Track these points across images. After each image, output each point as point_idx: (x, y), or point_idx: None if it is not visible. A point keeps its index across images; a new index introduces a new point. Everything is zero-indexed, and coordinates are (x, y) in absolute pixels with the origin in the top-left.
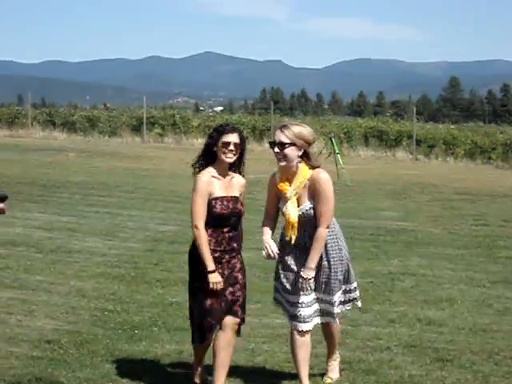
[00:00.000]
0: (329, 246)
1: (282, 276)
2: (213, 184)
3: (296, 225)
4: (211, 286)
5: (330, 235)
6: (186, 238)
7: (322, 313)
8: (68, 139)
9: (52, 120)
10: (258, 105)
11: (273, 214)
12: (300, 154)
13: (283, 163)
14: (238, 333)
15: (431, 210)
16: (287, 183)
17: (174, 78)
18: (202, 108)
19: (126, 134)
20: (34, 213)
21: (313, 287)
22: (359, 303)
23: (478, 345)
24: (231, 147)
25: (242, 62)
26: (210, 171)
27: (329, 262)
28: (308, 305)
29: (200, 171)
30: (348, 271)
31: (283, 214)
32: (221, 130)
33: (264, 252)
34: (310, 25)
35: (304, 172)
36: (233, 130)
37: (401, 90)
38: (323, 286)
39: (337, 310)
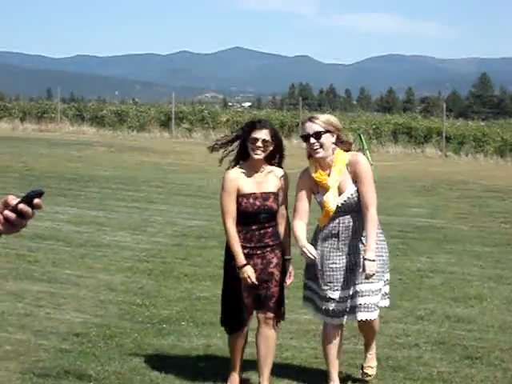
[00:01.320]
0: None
1: (320, 272)
2: (241, 180)
3: (332, 214)
4: (243, 280)
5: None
6: (214, 232)
7: (359, 308)
8: (97, 134)
9: (81, 114)
10: (287, 100)
11: (305, 211)
12: (334, 140)
13: (320, 153)
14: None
15: (460, 207)
16: (324, 173)
17: (202, 73)
18: (230, 103)
19: (155, 129)
20: (63, 206)
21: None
22: (388, 301)
23: (507, 342)
24: (259, 143)
25: (270, 57)
26: (240, 167)
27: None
28: (342, 300)
29: (230, 167)
30: (387, 262)
31: (321, 204)
32: (250, 126)
33: (304, 257)
34: (338, 20)
35: (342, 157)
36: (262, 126)
37: (430, 87)
38: (362, 274)
39: (377, 300)
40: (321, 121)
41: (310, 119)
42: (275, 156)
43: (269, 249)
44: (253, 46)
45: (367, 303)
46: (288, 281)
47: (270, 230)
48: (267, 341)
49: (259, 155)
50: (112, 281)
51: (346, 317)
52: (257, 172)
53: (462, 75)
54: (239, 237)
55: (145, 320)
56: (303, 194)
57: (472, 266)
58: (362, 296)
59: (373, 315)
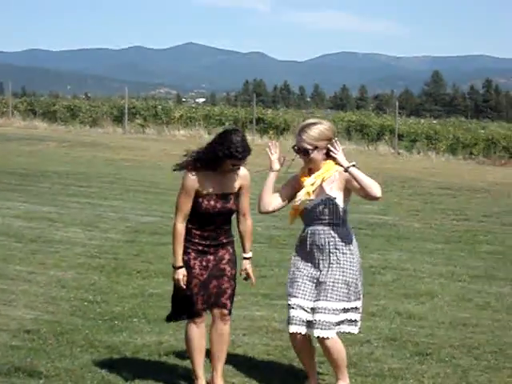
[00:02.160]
0: (340, 248)
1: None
2: (202, 181)
3: (297, 213)
4: (173, 281)
5: (344, 240)
6: (167, 229)
7: (314, 324)
8: (49, 129)
9: (33, 109)
10: (241, 97)
11: (276, 195)
12: (325, 151)
13: (311, 165)
14: None
15: (412, 205)
16: (309, 176)
17: (156, 68)
18: (184, 99)
19: (108, 125)
20: (14, 202)
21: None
22: (356, 329)
23: (458, 339)
24: (235, 168)
25: (224, 53)
26: (198, 172)
27: (338, 264)
28: (300, 307)
29: (190, 167)
30: (353, 286)
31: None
32: (234, 153)
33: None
34: (292, 17)
35: (329, 168)
36: (244, 157)
37: (384, 84)
38: (322, 291)
39: (333, 319)
40: (311, 137)
41: (301, 133)
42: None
43: (223, 246)
44: (207, 41)
45: (321, 320)
46: (251, 279)
47: (225, 228)
48: (222, 336)
49: (232, 171)
50: (63, 277)
51: (304, 328)
52: (220, 175)
53: (415, 73)
54: (195, 235)
55: (96, 317)
56: (283, 187)
57: (423, 263)
58: (317, 312)
59: (326, 333)
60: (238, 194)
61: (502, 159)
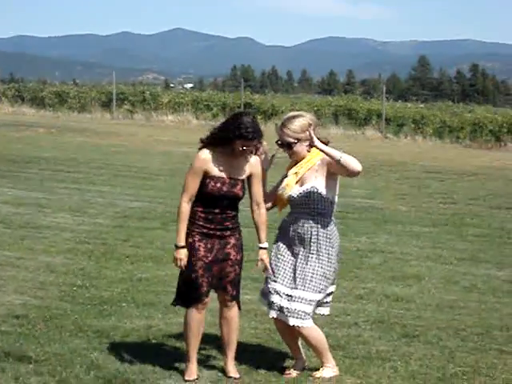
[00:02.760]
0: (321, 239)
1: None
2: (211, 163)
3: (284, 202)
4: (174, 260)
5: (325, 231)
6: (156, 214)
7: (288, 312)
8: (37, 115)
9: (21, 95)
10: (229, 82)
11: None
12: (307, 144)
13: (294, 158)
14: (239, 307)
15: (399, 188)
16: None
17: (143, 54)
18: (171, 85)
19: (96, 110)
20: (2, 188)
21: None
22: (326, 310)
23: (445, 321)
24: (250, 149)
25: (212, 38)
26: (215, 149)
27: (318, 256)
28: (277, 292)
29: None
30: (330, 278)
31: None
32: (244, 132)
33: None
34: (279, 2)
35: (312, 157)
36: (260, 135)
37: (371, 69)
38: (300, 280)
39: (308, 309)
40: (292, 130)
41: (282, 128)
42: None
43: (228, 232)
44: (194, 27)
45: (297, 309)
46: (262, 266)
47: (231, 214)
48: (228, 322)
49: (241, 156)
50: (52, 262)
51: (279, 313)
52: (231, 159)
53: (402, 58)
54: (200, 217)
55: (85, 301)
56: (278, 183)
57: (411, 246)
58: (294, 301)
59: (302, 322)
60: (248, 182)
61: (489, 143)
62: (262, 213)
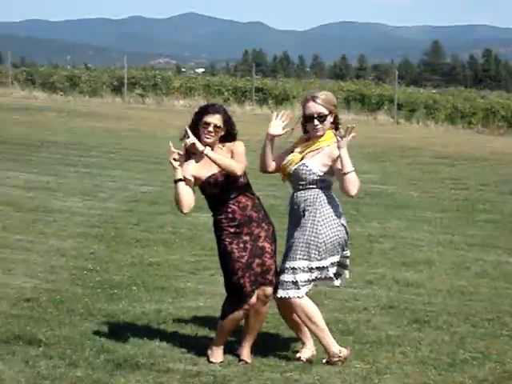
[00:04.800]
0: (308, 213)
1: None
2: (196, 168)
3: (285, 174)
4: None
5: (314, 206)
6: (166, 198)
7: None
8: (48, 99)
9: (32, 79)
10: (240, 67)
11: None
12: (332, 120)
13: (320, 132)
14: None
15: (411, 174)
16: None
17: (155, 38)
18: (183, 69)
19: (107, 95)
20: (14, 172)
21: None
22: (337, 282)
23: (455, 307)
24: (210, 128)
25: (224, 23)
26: (192, 158)
27: (304, 224)
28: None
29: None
30: (313, 248)
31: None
32: (204, 110)
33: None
34: None
35: (323, 140)
36: (215, 111)
37: (383, 54)
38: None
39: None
40: (323, 101)
41: (313, 99)
42: (231, 138)
43: (254, 224)
44: (206, 11)
45: (282, 280)
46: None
47: (249, 201)
48: (258, 316)
49: (209, 139)
50: (63, 246)
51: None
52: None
53: (414, 43)
54: (222, 219)
55: (96, 285)
56: (284, 151)
57: (422, 232)
58: (282, 273)
59: (286, 293)
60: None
61: (501, 129)
62: (238, 164)
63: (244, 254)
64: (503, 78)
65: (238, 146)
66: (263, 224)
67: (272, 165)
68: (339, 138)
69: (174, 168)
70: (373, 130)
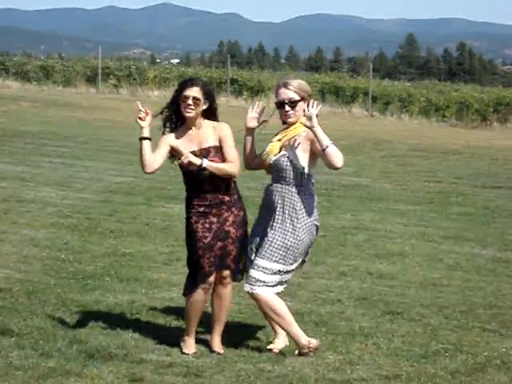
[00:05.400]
0: (287, 209)
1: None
2: (177, 142)
3: (267, 166)
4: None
5: (292, 201)
6: (140, 189)
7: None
8: (21, 88)
9: (5, 69)
10: (215, 58)
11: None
12: (305, 106)
13: (292, 119)
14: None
15: (385, 166)
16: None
17: (130, 28)
18: (158, 60)
19: (81, 85)
20: None
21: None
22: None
23: (428, 299)
24: (189, 101)
25: (198, 13)
26: (176, 132)
27: (282, 225)
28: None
29: (165, 131)
30: (291, 251)
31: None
32: (182, 85)
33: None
34: None
35: (298, 127)
36: (193, 84)
37: (358, 47)
38: (260, 247)
39: (260, 276)
40: (295, 87)
41: (285, 85)
42: (212, 113)
43: (225, 207)
44: (181, 2)
45: (251, 275)
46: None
47: (221, 184)
48: (221, 300)
49: (190, 113)
50: (36, 236)
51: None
52: (192, 130)
53: (389, 36)
54: (193, 197)
55: (69, 275)
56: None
57: (395, 224)
58: (251, 268)
59: (252, 289)
60: (220, 147)
61: (474, 122)
62: (234, 165)
63: (207, 234)
64: (477, 71)
65: (224, 129)
66: (233, 208)
67: (255, 161)
68: (307, 122)
69: (141, 127)
70: (347, 123)
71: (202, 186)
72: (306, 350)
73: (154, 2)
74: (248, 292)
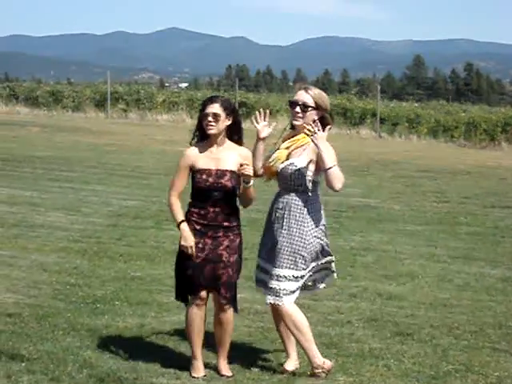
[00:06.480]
0: (293, 216)
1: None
2: (196, 156)
3: (272, 173)
4: (179, 247)
5: (298, 208)
6: (149, 213)
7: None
8: (31, 114)
9: (15, 95)
10: (224, 81)
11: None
12: (316, 118)
13: (299, 122)
14: (235, 310)
15: (393, 187)
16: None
17: (139, 53)
18: (166, 84)
19: (90, 110)
20: None
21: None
22: (321, 285)
23: (438, 319)
24: (210, 118)
25: (207, 38)
26: (199, 145)
27: (289, 231)
28: (264, 269)
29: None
30: (299, 256)
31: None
32: (203, 103)
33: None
34: (274, 1)
35: (307, 138)
36: (212, 101)
37: (365, 68)
38: (273, 257)
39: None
40: (314, 94)
41: (305, 89)
42: (235, 132)
43: (222, 231)
44: (189, 26)
45: (272, 287)
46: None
47: (225, 210)
48: (221, 325)
49: (211, 129)
50: (45, 261)
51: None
52: (215, 148)
53: (396, 57)
54: (193, 212)
55: (78, 300)
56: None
57: (404, 245)
58: (271, 279)
59: (275, 300)
60: (234, 173)
61: (483, 142)
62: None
63: (200, 254)
64: (485, 91)
65: (249, 158)
66: (230, 234)
67: (261, 169)
68: (312, 137)
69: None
70: (355, 144)
71: (206, 203)
72: (320, 371)
73: (162, 26)
74: (271, 303)
